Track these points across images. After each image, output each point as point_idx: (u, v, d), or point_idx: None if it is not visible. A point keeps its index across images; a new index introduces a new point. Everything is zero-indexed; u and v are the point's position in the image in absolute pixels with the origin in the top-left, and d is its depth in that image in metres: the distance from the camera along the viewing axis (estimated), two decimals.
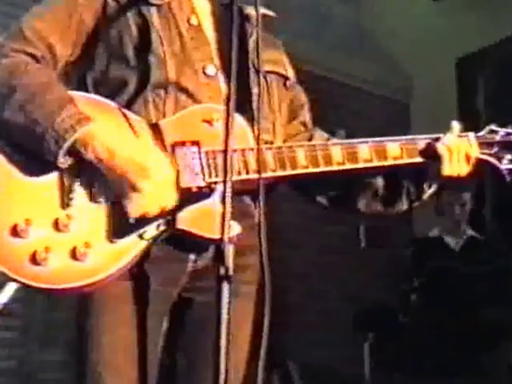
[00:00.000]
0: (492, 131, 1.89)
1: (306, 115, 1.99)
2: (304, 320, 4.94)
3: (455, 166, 1.80)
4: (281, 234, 4.81)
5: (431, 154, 1.81)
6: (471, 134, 1.85)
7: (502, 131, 1.89)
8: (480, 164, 1.86)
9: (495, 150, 1.87)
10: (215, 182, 1.64)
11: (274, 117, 1.85)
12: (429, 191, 1.89)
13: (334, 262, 5.16)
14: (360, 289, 5.00)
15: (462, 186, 4.01)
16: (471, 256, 3.98)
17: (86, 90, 1.76)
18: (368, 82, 5.80)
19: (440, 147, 1.80)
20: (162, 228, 1.63)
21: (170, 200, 1.60)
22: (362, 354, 3.85)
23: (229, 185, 1.42)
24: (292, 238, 4.96)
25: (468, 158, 1.81)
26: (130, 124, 1.66)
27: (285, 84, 1.92)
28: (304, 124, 1.98)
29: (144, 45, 1.74)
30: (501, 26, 5.29)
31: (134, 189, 1.57)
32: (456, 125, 1.85)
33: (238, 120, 1.63)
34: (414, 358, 3.82)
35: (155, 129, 1.67)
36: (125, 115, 1.67)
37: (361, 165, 1.76)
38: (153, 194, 1.58)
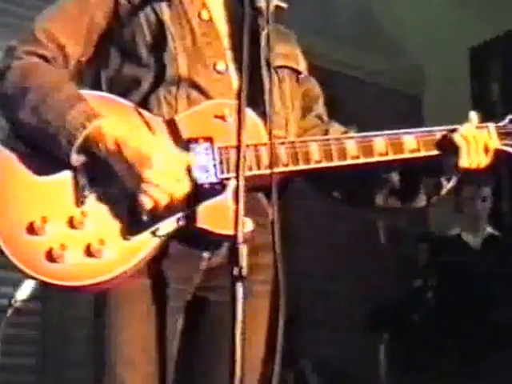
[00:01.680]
0: None
1: (320, 108, 1.97)
2: (315, 320, 4.96)
3: (474, 157, 1.75)
4: (292, 231, 4.84)
5: (448, 146, 1.76)
6: (491, 125, 1.81)
7: None
8: (500, 156, 1.81)
9: None
10: (228, 178, 1.64)
11: (287, 112, 1.84)
12: (448, 186, 1.85)
13: (346, 260, 5.15)
14: (374, 288, 4.95)
15: (483, 181, 3.93)
16: (490, 254, 3.92)
17: (101, 89, 1.77)
18: (378, 75, 5.76)
19: (457, 138, 1.76)
20: (175, 225, 1.63)
21: (180, 191, 1.60)
22: (375, 354, 3.81)
23: (242, 180, 1.42)
24: (303, 236, 4.96)
25: (487, 150, 1.77)
26: (144, 121, 1.67)
27: (297, 78, 1.90)
28: (319, 117, 1.96)
29: (156, 42, 1.74)
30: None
31: (142, 180, 1.57)
32: (474, 115, 1.81)
33: (251, 115, 1.63)
34: (428, 357, 3.79)
35: (171, 125, 1.68)
36: (140, 113, 1.68)
37: (376, 158, 1.73)
38: (159, 184, 1.57)
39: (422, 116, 5.74)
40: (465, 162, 1.76)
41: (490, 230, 4.03)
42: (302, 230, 4.95)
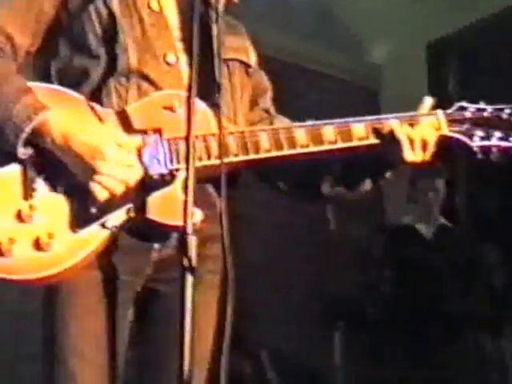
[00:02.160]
0: (462, 108, 1.84)
1: (267, 102, 1.98)
2: (273, 312, 4.98)
3: (418, 151, 1.76)
4: (246, 225, 4.85)
5: (391, 138, 1.76)
6: (440, 112, 1.81)
7: (473, 107, 1.84)
8: (448, 142, 1.82)
9: (466, 126, 1.81)
10: (177, 169, 1.63)
11: (236, 105, 1.85)
12: (392, 170, 1.84)
13: (301, 253, 5.16)
14: (330, 280, 4.98)
15: (436, 172, 3.98)
16: (442, 245, 3.97)
17: (51, 81, 1.75)
18: (337, 69, 5.78)
19: (399, 134, 1.75)
20: (125, 216, 1.63)
21: (133, 178, 1.60)
22: (331, 346, 3.87)
23: (191, 171, 1.42)
24: (258, 229, 4.99)
25: (425, 144, 1.76)
26: (95, 113, 1.66)
27: (247, 71, 1.91)
28: (266, 111, 1.97)
29: (106, 33, 1.74)
30: (470, 10, 5.31)
31: (95, 172, 1.57)
32: (429, 100, 1.82)
33: (200, 106, 1.63)
34: (383, 348, 3.83)
35: (122, 116, 1.67)
36: (90, 105, 1.67)
37: (325, 147, 1.73)
38: (113, 174, 1.58)
39: (380, 111, 5.79)
40: (407, 155, 1.76)
41: (442, 220, 4.08)
42: (258, 223, 4.98)
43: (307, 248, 5.16)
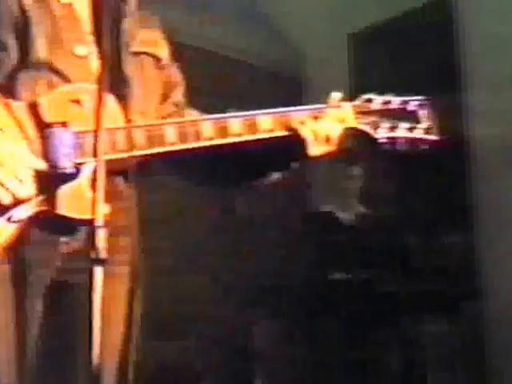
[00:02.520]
0: (368, 100, 1.87)
1: (178, 95, 1.99)
2: (197, 296, 4.95)
3: (321, 146, 1.79)
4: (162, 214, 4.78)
5: (295, 135, 1.80)
6: (346, 104, 1.84)
7: (379, 99, 1.87)
8: (358, 135, 1.86)
9: (372, 118, 1.84)
10: (84, 163, 1.64)
11: (147, 98, 1.85)
12: (297, 162, 1.88)
13: (227, 239, 5.17)
14: (254, 265, 4.96)
15: (353, 160, 4.08)
16: (362, 231, 4.06)
17: None
18: (259, 58, 5.78)
19: (303, 130, 1.79)
20: (32, 210, 1.63)
21: (23, 191, 1.60)
22: (254, 329, 3.94)
23: (100, 164, 1.44)
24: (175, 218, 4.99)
25: (328, 139, 1.80)
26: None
27: (158, 65, 1.91)
28: (176, 104, 1.98)
29: (17, 26, 1.72)
30: (395, 2, 5.42)
31: None
32: (336, 94, 1.85)
33: (109, 100, 1.62)
34: (306, 331, 3.91)
35: (32, 109, 1.66)
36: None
37: (231, 139, 1.75)
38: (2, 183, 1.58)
39: (303, 99, 5.85)
40: (311, 149, 1.80)
41: (361, 208, 4.17)
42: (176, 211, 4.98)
43: (231, 234, 5.20)
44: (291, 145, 1.81)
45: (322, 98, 1.90)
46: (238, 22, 5.51)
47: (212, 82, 4.95)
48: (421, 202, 5.89)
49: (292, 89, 5.68)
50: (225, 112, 1.87)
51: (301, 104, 1.87)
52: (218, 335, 4.81)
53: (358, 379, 3.85)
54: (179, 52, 2.03)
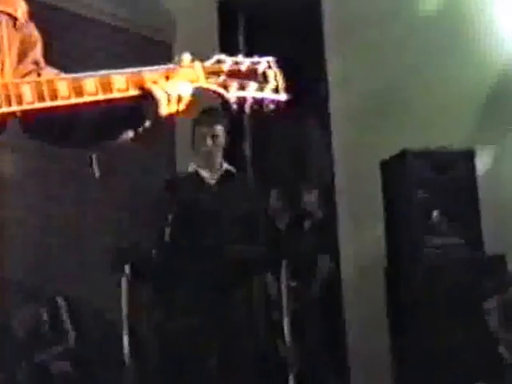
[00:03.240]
0: (219, 61, 1.89)
1: (37, 53, 1.99)
2: (67, 259, 5.07)
3: (173, 106, 1.82)
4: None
5: (147, 95, 1.82)
6: (197, 63, 1.86)
7: (230, 60, 1.89)
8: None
9: (222, 78, 1.86)
10: None
11: (3, 57, 1.85)
12: (150, 122, 1.91)
13: (97, 200, 5.25)
14: (121, 230, 5.14)
15: (215, 119, 4.07)
16: (226, 190, 4.07)
17: None
18: (128, 21, 5.80)
19: (155, 89, 1.81)
20: None
21: None
22: (120, 291, 3.83)
23: None
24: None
25: (180, 99, 1.82)
26: None
27: (14, 24, 1.90)
28: (35, 62, 1.98)
29: None
30: None
31: None
32: (187, 55, 1.87)
33: None
34: (168, 296, 3.91)
35: None
36: None
37: (86, 98, 1.78)
38: None
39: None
40: (163, 109, 1.82)
41: (226, 166, 4.18)
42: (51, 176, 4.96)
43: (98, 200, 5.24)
44: (145, 104, 1.85)
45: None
46: None
47: (82, 48, 5.10)
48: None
49: (163, 52, 5.69)
50: None
51: None
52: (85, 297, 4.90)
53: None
54: (45, 13, 2.09)
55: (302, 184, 5.76)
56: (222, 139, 4.13)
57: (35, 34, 2.00)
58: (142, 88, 1.81)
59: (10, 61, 1.87)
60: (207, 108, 3.78)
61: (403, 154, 4.76)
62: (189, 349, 3.82)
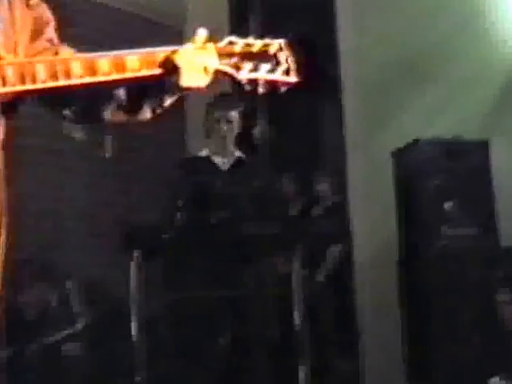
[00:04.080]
0: (231, 42, 1.91)
1: (51, 32, 2.01)
2: (77, 242, 5.02)
3: (193, 77, 1.85)
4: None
5: (170, 66, 1.85)
6: (210, 45, 1.88)
7: (242, 42, 1.91)
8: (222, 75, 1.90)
9: (234, 60, 1.88)
10: None
11: (16, 35, 1.88)
12: (169, 100, 1.95)
13: (104, 184, 5.23)
14: (130, 211, 5.11)
15: (230, 104, 4.02)
16: (237, 176, 4.04)
17: None
18: (140, 7, 5.79)
19: (178, 59, 1.84)
20: None
21: None
22: (129, 274, 3.82)
23: None
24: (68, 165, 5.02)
25: (206, 69, 1.86)
26: None
27: (28, 3, 1.94)
28: (50, 40, 2.00)
29: None
30: None
31: None
32: (202, 32, 1.88)
33: None
34: (179, 274, 3.91)
35: None
36: None
37: (100, 78, 1.82)
38: None
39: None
40: (185, 81, 1.86)
41: (238, 153, 4.13)
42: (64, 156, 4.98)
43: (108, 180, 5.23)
44: (163, 81, 1.89)
45: None
46: None
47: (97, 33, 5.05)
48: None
49: (173, 38, 5.62)
50: None
51: None
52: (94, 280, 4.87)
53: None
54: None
55: (315, 170, 5.72)
56: (236, 125, 4.06)
57: (47, 14, 2.02)
58: (160, 63, 1.84)
59: (23, 40, 1.90)
60: (222, 92, 3.75)
61: (416, 142, 4.70)
62: (200, 327, 3.82)
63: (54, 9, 2.05)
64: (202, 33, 1.88)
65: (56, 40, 2.02)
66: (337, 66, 5.68)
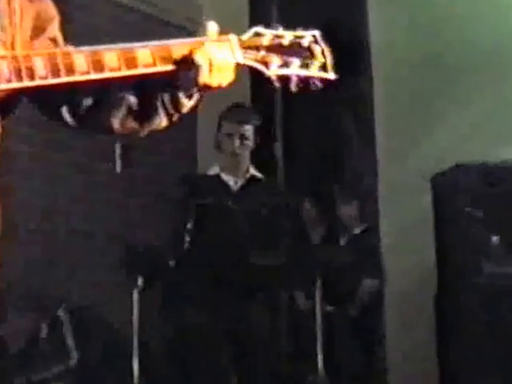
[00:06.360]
0: (258, 34, 1.74)
1: (54, 30, 1.88)
2: (71, 260, 4.85)
3: (215, 75, 1.69)
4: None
5: (187, 62, 1.68)
6: (233, 37, 1.71)
7: (269, 33, 1.74)
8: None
9: (261, 54, 1.72)
10: None
11: (15, 30, 1.77)
12: (188, 103, 1.77)
13: (100, 199, 5.09)
14: (128, 228, 4.93)
15: (245, 117, 3.75)
16: (250, 196, 3.76)
17: None
18: (155, 8, 5.74)
19: (197, 54, 1.67)
20: None
21: None
22: (130, 299, 3.68)
23: None
24: (60, 173, 4.86)
25: (229, 66, 1.71)
26: None
27: None
28: (53, 39, 1.87)
29: None
30: None
31: None
32: (213, 25, 1.72)
33: None
34: (184, 302, 3.65)
35: None
36: None
37: (107, 74, 1.66)
38: None
39: None
40: (205, 78, 1.69)
41: (252, 171, 3.83)
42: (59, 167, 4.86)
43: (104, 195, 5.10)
44: (177, 78, 1.72)
45: None
46: None
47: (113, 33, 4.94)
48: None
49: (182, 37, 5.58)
50: None
51: None
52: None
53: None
54: None
55: (338, 192, 5.28)
56: (250, 140, 3.76)
57: (52, 10, 1.90)
58: (177, 59, 1.68)
59: (21, 35, 1.79)
60: (236, 104, 3.66)
61: (458, 167, 4.48)
62: (204, 362, 3.63)
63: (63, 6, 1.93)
64: (212, 26, 1.72)
65: (60, 39, 1.88)
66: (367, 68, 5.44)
